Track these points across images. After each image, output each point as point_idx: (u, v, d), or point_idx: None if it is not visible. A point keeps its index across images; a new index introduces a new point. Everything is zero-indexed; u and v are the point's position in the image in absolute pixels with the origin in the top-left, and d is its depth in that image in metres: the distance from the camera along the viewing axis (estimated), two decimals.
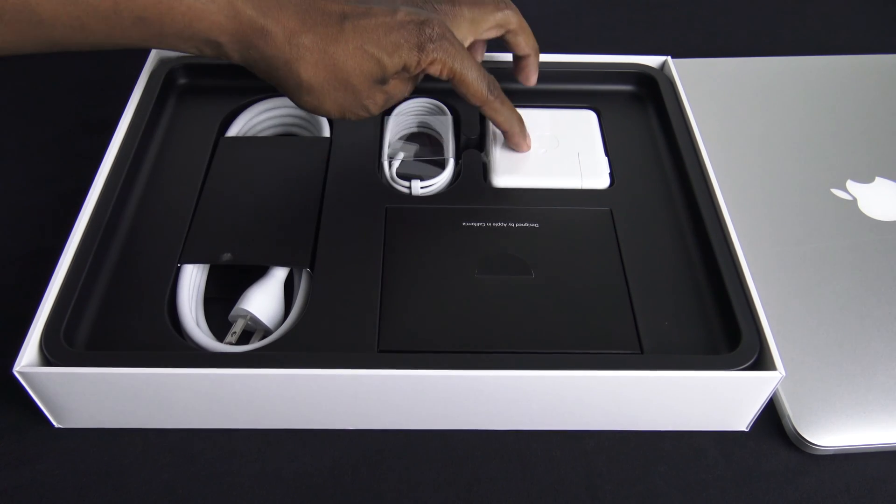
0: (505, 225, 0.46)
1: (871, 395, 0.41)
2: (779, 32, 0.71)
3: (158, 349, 0.39)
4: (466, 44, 0.45)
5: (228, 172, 0.48)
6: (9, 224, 0.50)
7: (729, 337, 0.40)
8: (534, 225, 0.46)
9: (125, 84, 0.52)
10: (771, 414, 0.42)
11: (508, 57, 0.55)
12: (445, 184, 0.49)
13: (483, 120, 0.53)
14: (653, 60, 0.56)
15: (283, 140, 0.52)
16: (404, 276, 0.43)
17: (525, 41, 0.49)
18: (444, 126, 0.52)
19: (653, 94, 0.55)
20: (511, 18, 0.47)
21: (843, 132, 0.56)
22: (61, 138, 0.57)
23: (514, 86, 0.55)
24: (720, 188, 0.46)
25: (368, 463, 0.40)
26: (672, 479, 0.39)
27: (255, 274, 0.43)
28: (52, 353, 0.37)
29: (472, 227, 0.45)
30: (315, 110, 0.42)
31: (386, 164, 0.49)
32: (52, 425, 0.40)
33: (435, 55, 0.41)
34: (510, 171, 0.49)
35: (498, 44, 0.66)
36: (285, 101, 0.53)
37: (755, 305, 0.40)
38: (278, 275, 0.43)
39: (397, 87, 0.43)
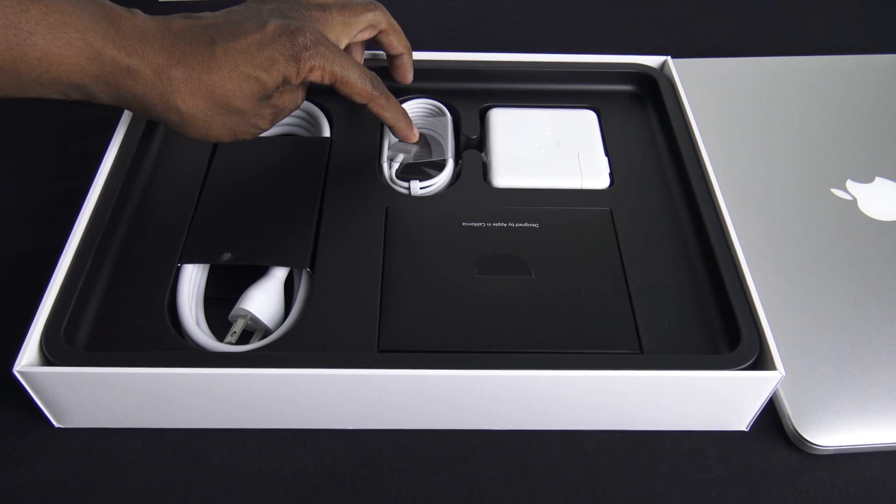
0: (505, 225, 0.46)
1: (871, 395, 0.41)
2: (779, 32, 0.71)
3: (158, 349, 0.39)
4: (342, 46, 0.45)
5: (228, 172, 0.48)
6: (9, 224, 0.50)
7: (729, 337, 0.40)
8: (534, 225, 0.46)
9: None
10: (771, 414, 0.42)
11: (508, 57, 0.55)
12: (445, 184, 0.49)
13: (483, 120, 0.53)
14: (653, 60, 0.57)
15: (283, 140, 0.52)
16: (404, 276, 0.43)
17: (397, 40, 0.49)
18: (444, 126, 0.52)
19: (653, 94, 0.55)
20: (381, 18, 0.47)
21: (843, 132, 0.56)
22: (61, 138, 0.57)
23: (514, 85, 0.55)
24: (720, 188, 0.46)
25: (368, 463, 0.40)
26: (672, 479, 0.39)
27: (255, 274, 0.43)
28: (52, 353, 0.37)
29: (472, 227, 0.45)
30: (205, 139, 0.41)
31: (386, 164, 0.49)
32: (52, 425, 0.40)
33: (313, 62, 0.40)
34: (510, 171, 0.49)
35: (497, 44, 0.65)
36: None
37: (755, 305, 0.40)
38: (278, 275, 0.43)
39: (284, 99, 0.42)
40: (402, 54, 0.50)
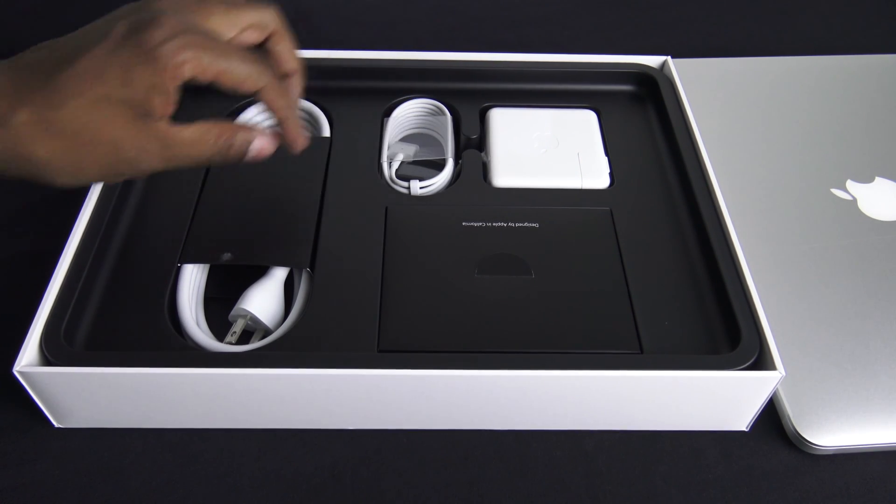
0: (505, 225, 0.46)
1: (871, 395, 0.41)
2: (779, 32, 0.71)
3: (158, 349, 0.39)
4: (225, 39, 0.38)
5: (228, 172, 0.48)
6: (9, 224, 0.50)
7: (729, 337, 0.40)
8: (534, 225, 0.46)
9: None
10: (771, 414, 0.42)
11: (508, 57, 0.55)
12: (445, 184, 0.49)
13: (483, 120, 0.53)
14: (653, 60, 0.57)
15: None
16: (404, 276, 0.43)
17: (288, 53, 0.41)
18: (444, 126, 0.52)
19: (653, 94, 0.55)
20: (272, 18, 0.40)
21: (843, 132, 0.56)
22: None
23: (514, 85, 0.55)
24: (720, 188, 0.46)
25: (368, 463, 0.40)
26: (672, 479, 0.39)
27: (255, 274, 0.43)
28: (52, 353, 0.37)
29: (472, 227, 0.45)
30: (80, 184, 0.35)
31: (385, 164, 0.49)
32: (52, 425, 0.40)
33: (181, 56, 0.33)
34: (510, 171, 0.49)
35: (497, 44, 0.65)
36: None
37: (755, 305, 0.40)
38: (278, 275, 0.43)
39: (178, 133, 0.35)
40: (293, 74, 0.41)
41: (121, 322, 0.40)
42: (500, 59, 0.55)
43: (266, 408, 0.39)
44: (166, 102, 0.34)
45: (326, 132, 0.51)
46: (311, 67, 0.54)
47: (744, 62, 0.63)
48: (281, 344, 0.39)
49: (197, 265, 0.43)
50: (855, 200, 0.51)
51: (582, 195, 0.48)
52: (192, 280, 0.43)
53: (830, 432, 0.40)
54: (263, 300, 0.42)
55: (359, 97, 0.54)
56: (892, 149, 0.55)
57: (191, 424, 0.40)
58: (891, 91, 0.60)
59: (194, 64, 0.33)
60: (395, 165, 0.50)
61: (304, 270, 0.43)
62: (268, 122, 0.53)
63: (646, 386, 0.38)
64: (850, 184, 0.52)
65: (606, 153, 0.51)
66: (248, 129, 0.38)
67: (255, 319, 0.41)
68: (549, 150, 0.51)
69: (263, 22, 0.39)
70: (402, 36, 0.69)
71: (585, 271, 0.43)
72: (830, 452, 0.40)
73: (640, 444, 0.41)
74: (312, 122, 0.53)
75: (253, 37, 0.39)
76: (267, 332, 0.42)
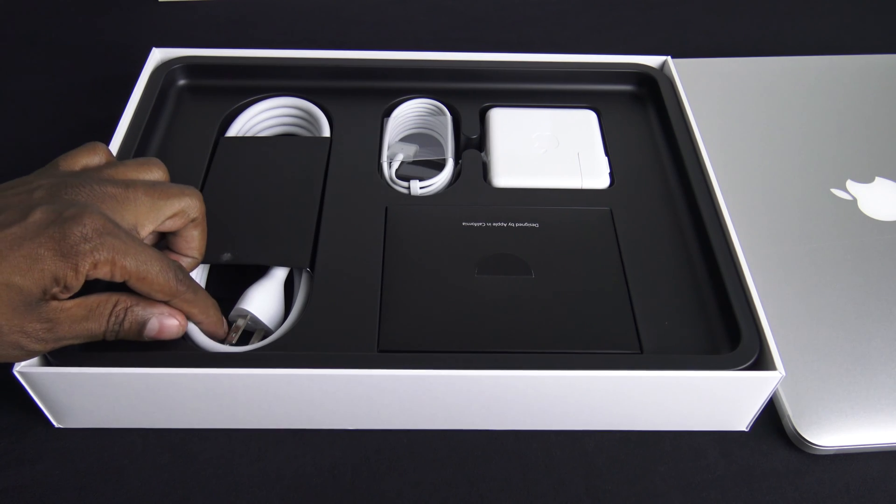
0: (505, 225, 0.46)
1: (871, 395, 0.41)
2: (779, 32, 0.71)
3: (158, 349, 0.39)
4: (144, 233, 0.36)
5: (228, 172, 0.48)
6: None
7: (729, 337, 0.40)
8: (534, 225, 0.46)
9: (125, 84, 0.52)
10: (771, 414, 0.42)
11: (508, 57, 0.55)
12: (444, 184, 0.49)
13: (483, 120, 0.53)
14: (653, 60, 0.57)
15: (283, 140, 0.52)
16: (404, 276, 0.43)
17: (200, 241, 0.40)
18: (444, 126, 0.52)
19: (653, 94, 0.55)
20: (196, 206, 0.38)
21: (843, 132, 0.56)
22: (61, 138, 0.57)
23: (514, 85, 0.55)
24: (720, 188, 0.46)
25: (368, 463, 0.40)
26: (672, 479, 0.39)
27: (255, 274, 0.43)
28: (51, 353, 0.37)
29: (472, 227, 0.45)
30: None
31: (385, 164, 0.49)
32: (52, 425, 0.40)
33: (97, 256, 0.32)
34: (510, 171, 0.49)
35: (497, 44, 0.65)
36: (286, 100, 0.53)
37: (755, 305, 0.40)
38: (278, 275, 0.43)
39: (65, 308, 0.33)
40: (194, 258, 0.40)
41: None
42: (500, 59, 0.55)
43: (266, 408, 0.39)
44: (62, 293, 0.32)
45: (326, 132, 0.51)
46: (311, 67, 0.54)
47: (744, 62, 0.63)
48: (281, 344, 0.39)
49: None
50: (855, 200, 0.51)
51: (582, 195, 0.48)
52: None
53: (830, 432, 0.40)
54: (263, 300, 0.42)
55: (359, 97, 0.54)
56: (892, 149, 0.55)
57: (191, 424, 0.40)
58: (891, 91, 0.60)
59: (110, 267, 0.32)
60: (395, 165, 0.50)
61: (304, 270, 0.43)
62: (270, 124, 0.54)
63: (646, 386, 0.38)
64: (850, 184, 0.52)
65: (606, 153, 0.51)
66: (147, 304, 0.36)
67: (254, 319, 0.41)
68: (549, 150, 0.51)
69: (187, 210, 0.38)
70: (402, 36, 0.69)
71: (585, 271, 0.43)
72: (830, 452, 0.40)
73: (640, 444, 0.41)
74: (312, 123, 0.53)
75: (174, 225, 0.38)
76: (267, 332, 0.42)
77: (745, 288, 0.41)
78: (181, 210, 0.37)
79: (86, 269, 0.32)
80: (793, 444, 0.41)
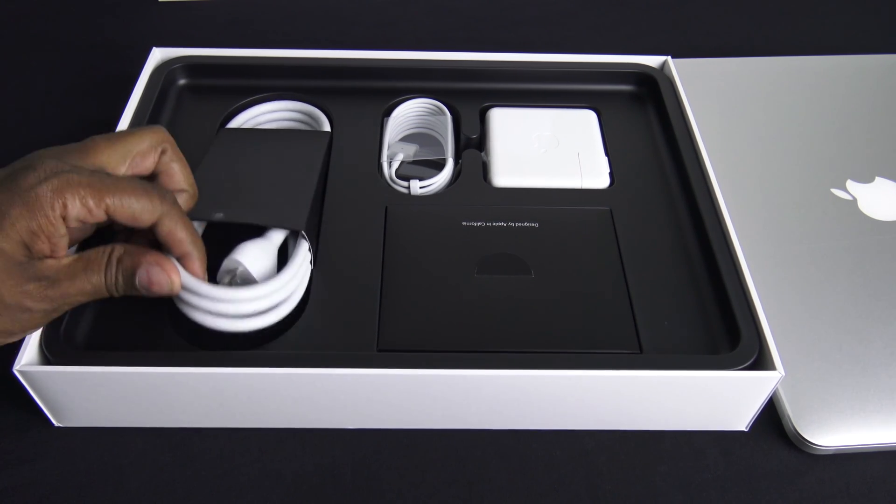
0: (505, 225, 0.46)
1: (871, 395, 0.41)
2: (779, 32, 0.71)
3: (158, 349, 0.39)
4: (118, 173, 0.35)
5: (227, 156, 0.47)
6: None
7: (729, 337, 0.40)
8: (534, 225, 0.46)
9: (125, 84, 0.52)
10: (771, 414, 0.42)
11: (508, 57, 0.55)
12: (444, 184, 0.49)
13: (483, 120, 0.53)
14: (653, 60, 0.57)
15: (283, 131, 0.52)
16: (404, 275, 0.43)
17: (183, 171, 0.38)
18: (444, 126, 0.52)
19: (653, 94, 0.55)
20: (159, 138, 0.37)
21: (843, 132, 0.56)
22: (61, 138, 0.57)
23: (514, 85, 0.55)
24: (720, 188, 0.46)
25: (368, 463, 0.40)
26: (672, 479, 0.39)
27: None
28: (52, 352, 0.37)
29: (472, 226, 0.45)
30: None
31: (385, 164, 0.49)
32: (52, 424, 0.40)
33: (61, 197, 0.31)
34: (510, 171, 0.49)
35: (497, 44, 0.65)
36: (285, 103, 0.53)
37: (755, 305, 0.40)
38: (273, 238, 0.42)
39: (63, 267, 0.32)
40: (185, 190, 0.38)
41: (121, 321, 0.40)
42: (500, 59, 0.55)
43: (266, 407, 0.39)
44: (50, 246, 0.32)
45: (326, 129, 0.51)
46: (312, 67, 0.54)
47: (744, 62, 0.63)
48: (281, 343, 0.39)
49: None
50: (855, 200, 0.51)
51: (582, 195, 0.48)
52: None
53: (830, 432, 0.40)
54: (257, 255, 0.40)
55: (359, 97, 0.54)
56: (892, 149, 0.55)
57: (191, 424, 0.40)
58: (891, 91, 0.60)
59: (76, 203, 0.31)
60: (395, 165, 0.50)
61: (299, 235, 0.42)
62: (275, 124, 0.53)
63: (646, 386, 0.38)
64: (850, 184, 0.52)
65: (606, 153, 0.51)
66: (140, 252, 0.34)
67: (245, 274, 0.40)
68: (549, 149, 0.51)
69: (153, 144, 0.37)
70: (402, 36, 0.69)
71: (585, 271, 0.43)
72: (830, 452, 0.40)
73: (640, 444, 0.41)
74: (312, 122, 0.53)
75: (147, 163, 0.37)
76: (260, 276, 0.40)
77: (745, 288, 0.41)
78: (146, 147, 0.36)
79: (58, 211, 0.31)
80: (793, 444, 0.41)
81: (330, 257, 0.43)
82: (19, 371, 0.36)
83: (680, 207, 0.47)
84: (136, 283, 0.34)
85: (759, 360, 0.39)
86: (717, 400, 0.39)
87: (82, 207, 0.31)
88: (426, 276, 0.43)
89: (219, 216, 0.41)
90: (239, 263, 0.40)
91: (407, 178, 0.48)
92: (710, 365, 0.38)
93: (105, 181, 0.32)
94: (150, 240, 0.36)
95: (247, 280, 0.40)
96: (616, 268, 0.44)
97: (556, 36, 0.70)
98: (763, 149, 0.55)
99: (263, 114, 0.53)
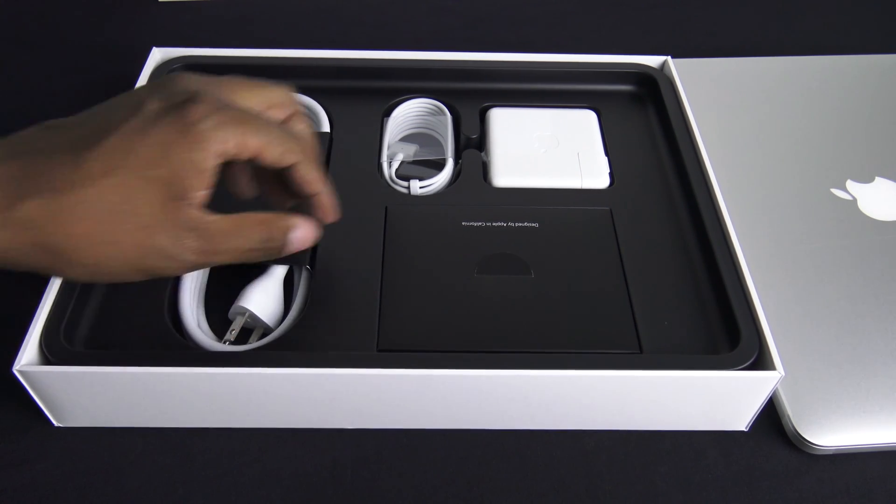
0: (505, 225, 0.46)
1: (871, 395, 0.41)
2: (779, 32, 0.71)
3: (158, 349, 0.39)
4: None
5: None
6: None
7: (728, 337, 0.40)
8: (534, 225, 0.46)
9: (125, 84, 0.52)
10: (771, 414, 0.42)
11: (508, 57, 0.55)
12: (444, 184, 0.49)
13: (483, 120, 0.53)
14: (653, 60, 0.57)
15: None
16: (404, 275, 0.43)
17: (310, 130, 0.38)
18: (444, 126, 0.52)
19: (653, 94, 0.55)
20: (291, 97, 0.37)
21: (843, 132, 0.56)
22: None
23: (514, 85, 0.55)
24: (720, 188, 0.46)
25: (368, 463, 0.40)
26: (672, 479, 0.39)
27: (256, 273, 0.43)
28: (52, 352, 0.37)
29: (472, 226, 0.45)
30: (96, 280, 0.32)
31: (385, 164, 0.49)
32: (52, 424, 0.40)
33: (223, 133, 0.31)
34: (510, 171, 0.49)
35: (497, 44, 0.65)
36: None
37: (755, 305, 0.40)
38: (277, 273, 0.43)
39: (214, 222, 0.32)
40: (318, 193, 0.37)
41: (121, 321, 0.40)
42: (500, 59, 0.55)
43: (266, 408, 0.39)
44: (203, 184, 0.31)
45: (326, 126, 0.51)
46: (311, 67, 0.54)
47: (744, 62, 0.63)
48: (281, 343, 0.39)
49: None
50: (855, 200, 0.51)
51: (582, 195, 0.48)
52: (192, 280, 0.43)
53: (830, 432, 0.40)
54: (262, 298, 0.41)
55: (359, 97, 0.54)
56: (892, 149, 0.55)
57: (191, 424, 0.40)
58: (891, 91, 0.60)
59: (237, 140, 0.31)
60: (395, 165, 0.50)
61: (303, 268, 0.43)
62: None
63: (645, 386, 0.38)
64: (850, 184, 0.52)
65: (606, 153, 0.51)
66: (287, 217, 0.35)
67: (253, 317, 0.41)
68: (549, 150, 0.51)
69: (286, 101, 0.37)
70: (402, 36, 0.69)
71: (585, 271, 0.43)
72: (830, 452, 0.40)
73: (640, 444, 0.41)
74: (312, 120, 0.53)
75: (278, 115, 0.37)
76: (266, 330, 0.42)
77: (745, 288, 0.41)
78: (281, 100, 0.36)
79: (215, 147, 0.31)
80: (793, 444, 0.41)
81: (330, 257, 0.43)
82: (19, 371, 0.36)
83: (680, 207, 0.47)
84: (287, 245, 0.35)
85: (759, 360, 0.39)
86: (717, 400, 0.39)
87: (240, 144, 0.32)
88: (426, 276, 0.43)
89: None
90: (246, 310, 0.41)
91: (407, 178, 0.48)
92: (710, 365, 0.38)
93: (259, 122, 0.33)
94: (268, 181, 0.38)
95: (256, 322, 0.41)
96: (616, 268, 0.44)
97: (556, 36, 0.70)
98: (763, 149, 0.55)
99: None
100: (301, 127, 0.38)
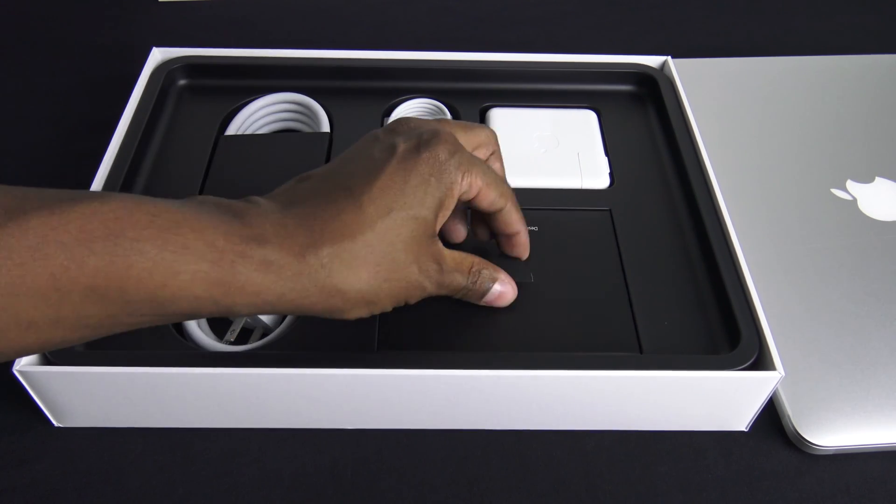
0: None
1: (871, 395, 0.41)
2: (779, 32, 0.71)
3: (158, 349, 0.39)
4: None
5: (229, 171, 0.48)
6: None
7: (729, 337, 0.40)
8: (533, 228, 0.46)
9: (125, 84, 0.52)
10: (771, 414, 0.42)
11: (508, 57, 0.55)
12: None
13: (483, 120, 0.53)
14: (653, 60, 0.57)
15: (282, 137, 0.52)
16: None
17: (502, 170, 0.40)
18: None
19: (653, 94, 0.55)
20: (494, 137, 0.39)
21: (843, 132, 0.56)
22: (61, 138, 0.57)
23: (514, 85, 0.55)
24: (720, 188, 0.46)
25: (368, 463, 0.40)
26: (672, 479, 0.39)
27: None
28: (51, 352, 0.37)
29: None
30: (370, 313, 0.33)
31: None
32: (52, 425, 0.40)
33: (466, 174, 0.33)
34: (510, 171, 0.49)
35: (497, 44, 0.65)
36: (283, 96, 0.53)
37: (755, 305, 0.40)
38: None
39: (446, 256, 0.34)
40: (519, 232, 0.40)
41: None
42: (500, 59, 0.55)
43: (266, 407, 0.39)
44: (444, 219, 0.33)
45: (325, 127, 0.51)
46: (311, 67, 0.54)
47: (744, 62, 0.63)
48: (280, 343, 0.39)
49: None
50: (855, 200, 0.51)
51: (582, 195, 0.48)
52: None
53: (830, 432, 0.40)
54: None
55: (359, 97, 0.54)
56: (892, 149, 0.55)
57: (191, 424, 0.40)
58: (891, 91, 0.60)
59: (469, 180, 0.33)
60: None
61: None
62: (270, 120, 0.53)
63: (645, 386, 0.38)
64: (850, 184, 0.52)
65: (606, 153, 0.51)
66: (498, 269, 0.38)
67: (253, 317, 0.41)
68: (549, 150, 0.51)
69: (490, 141, 0.38)
70: (402, 36, 0.69)
71: (585, 272, 0.43)
72: (830, 452, 0.40)
73: (640, 444, 0.41)
74: (312, 119, 0.53)
75: (481, 155, 0.38)
76: (266, 330, 0.42)
77: (745, 288, 0.41)
78: (485, 141, 0.38)
79: (459, 187, 0.33)
80: (793, 444, 0.41)
81: None
82: (19, 371, 0.36)
83: (680, 208, 0.47)
84: (486, 297, 0.38)
85: (759, 361, 0.39)
86: (717, 400, 0.39)
87: (473, 186, 0.33)
88: None
89: None
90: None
91: None
92: (710, 365, 0.38)
93: (483, 164, 0.35)
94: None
95: (256, 322, 0.41)
96: (616, 268, 0.44)
97: (556, 36, 0.70)
98: (763, 149, 0.55)
99: (262, 108, 0.53)
100: (497, 166, 0.40)
